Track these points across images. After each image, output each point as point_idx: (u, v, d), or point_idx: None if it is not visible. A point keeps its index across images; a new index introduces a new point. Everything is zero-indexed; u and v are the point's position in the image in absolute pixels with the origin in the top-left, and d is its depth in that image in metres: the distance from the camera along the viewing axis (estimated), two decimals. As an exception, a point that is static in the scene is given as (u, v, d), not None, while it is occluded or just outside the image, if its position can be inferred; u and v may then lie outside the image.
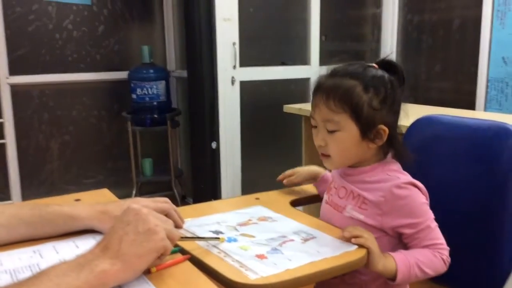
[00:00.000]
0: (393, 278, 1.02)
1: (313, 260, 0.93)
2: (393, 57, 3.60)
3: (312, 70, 3.39)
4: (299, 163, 3.03)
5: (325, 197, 1.21)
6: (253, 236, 1.05)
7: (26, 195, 3.22)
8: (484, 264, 1.23)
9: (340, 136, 1.06)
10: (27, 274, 0.81)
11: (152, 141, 3.66)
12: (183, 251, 0.94)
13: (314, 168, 1.32)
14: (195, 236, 1.04)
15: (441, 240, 1.05)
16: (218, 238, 1.01)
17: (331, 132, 1.06)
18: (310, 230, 1.08)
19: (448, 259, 1.05)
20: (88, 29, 3.32)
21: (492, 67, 3.06)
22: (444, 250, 1.05)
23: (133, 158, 3.44)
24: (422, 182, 1.09)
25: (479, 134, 1.29)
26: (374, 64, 1.13)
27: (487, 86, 3.11)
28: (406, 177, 1.08)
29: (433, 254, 1.04)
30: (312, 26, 3.33)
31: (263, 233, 1.06)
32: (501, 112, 3.02)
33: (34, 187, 3.30)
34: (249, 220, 1.15)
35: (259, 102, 3.34)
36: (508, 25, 2.93)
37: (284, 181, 1.31)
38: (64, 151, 3.40)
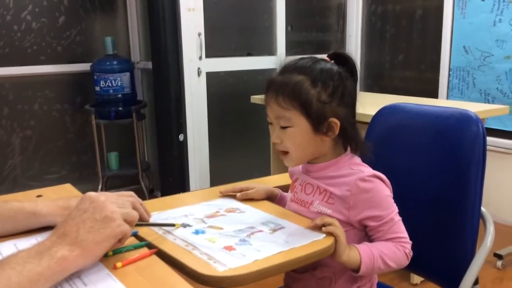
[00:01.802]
0: (356, 269, 1.03)
1: (282, 250, 0.92)
2: (357, 47, 3.67)
3: (278, 61, 3.38)
4: (266, 154, 3.04)
5: (290, 195, 1.21)
6: (221, 228, 1.04)
7: (-13, 192, 3.13)
8: (448, 250, 1.25)
9: (293, 132, 1.06)
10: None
11: (117, 134, 3.59)
12: (150, 246, 0.92)
13: (271, 188, 1.28)
14: (151, 223, 1.03)
15: (404, 234, 1.07)
16: (174, 224, 1.02)
17: (284, 128, 1.06)
18: (278, 220, 1.08)
19: (410, 252, 1.07)
20: (48, 20, 3.22)
21: (454, 56, 3.13)
22: (407, 244, 1.06)
23: (98, 152, 3.37)
24: (386, 172, 1.10)
25: (442, 122, 1.31)
26: (325, 57, 1.12)
27: (449, 75, 3.19)
28: (370, 170, 1.08)
29: (396, 247, 1.05)
30: (278, 16, 3.33)
31: (231, 225, 1.05)
32: (462, 100, 3.10)
33: (-5, 183, 3.20)
34: (217, 212, 1.14)
35: (226, 93, 3.33)
36: (469, 14, 3.00)
37: (238, 195, 1.22)
38: (26, 146, 3.30)
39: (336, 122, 1.06)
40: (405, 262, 1.07)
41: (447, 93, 3.21)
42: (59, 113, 3.39)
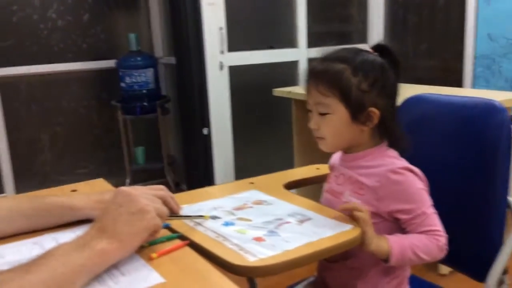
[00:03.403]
0: (386, 259, 1.04)
1: (310, 241, 0.95)
2: (380, 37, 3.64)
3: (300, 53, 3.39)
4: (290, 146, 3.05)
5: (325, 186, 1.23)
6: (249, 220, 1.06)
7: (19, 187, 3.22)
8: (475, 241, 1.25)
9: (331, 119, 1.08)
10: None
11: (143, 129, 3.66)
12: (182, 237, 0.96)
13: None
14: (181, 215, 1.07)
15: (438, 227, 1.06)
16: (203, 216, 1.05)
17: (323, 115, 1.09)
18: (305, 212, 1.10)
19: (445, 245, 1.06)
20: (73, 18, 3.28)
21: (479, 44, 3.09)
22: (441, 237, 1.05)
23: (125, 147, 3.44)
24: (412, 163, 1.11)
25: (467, 112, 1.30)
26: (369, 49, 1.14)
27: (473, 63, 3.14)
28: (402, 162, 1.10)
29: (429, 240, 1.05)
30: (298, 8, 3.32)
31: (260, 217, 1.08)
32: (488, 88, 3.05)
33: (26, 179, 3.29)
34: (245, 204, 1.17)
35: (248, 87, 3.34)
36: (494, 1, 2.94)
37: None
38: (55, 142, 3.39)
39: (375, 112, 1.07)
40: (439, 255, 1.07)
41: (472, 82, 3.17)
42: (86, 109, 3.46)
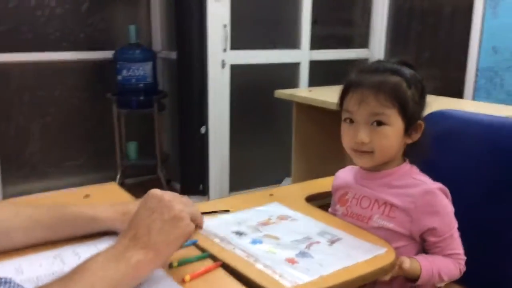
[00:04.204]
0: (414, 280, 1.03)
1: (345, 265, 0.90)
2: (382, 43, 3.61)
3: (302, 54, 3.34)
4: (288, 150, 3.01)
5: (341, 210, 1.17)
6: (277, 238, 1.01)
7: (6, 177, 3.11)
8: (498, 268, 1.23)
9: (388, 131, 1.04)
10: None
11: (137, 124, 3.57)
12: (211, 256, 0.90)
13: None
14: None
15: (461, 250, 1.07)
16: (228, 210, 1.07)
17: (378, 126, 1.04)
18: (333, 231, 1.05)
19: (463, 268, 1.07)
20: (71, 6, 3.18)
21: (482, 56, 3.08)
22: (462, 260, 1.07)
23: (118, 141, 3.36)
24: (436, 180, 1.08)
25: (494, 132, 1.28)
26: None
27: (476, 75, 3.13)
28: (433, 182, 1.07)
29: (453, 263, 1.06)
30: (303, 9, 3.27)
31: (287, 234, 1.03)
32: (489, 101, 3.05)
33: (14, 169, 3.18)
34: (269, 219, 1.12)
35: (249, 87, 3.28)
36: (501, 14, 2.94)
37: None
38: (45, 133, 3.29)
39: (421, 124, 1.08)
40: (457, 277, 1.08)
41: (473, 93, 3.17)
42: (79, 100, 3.36)
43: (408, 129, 1.06)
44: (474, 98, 3.16)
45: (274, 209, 1.19)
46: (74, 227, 0.91)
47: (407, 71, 1.08)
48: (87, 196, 1.17)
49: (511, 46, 2.91)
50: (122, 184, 3.42)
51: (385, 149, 1.06)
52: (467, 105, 2.72)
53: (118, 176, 3.41)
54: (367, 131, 1.05)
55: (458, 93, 3.23)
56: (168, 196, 0.82)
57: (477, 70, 3.12)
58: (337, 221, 1.12)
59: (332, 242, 1.00)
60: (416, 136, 1.09)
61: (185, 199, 0.88)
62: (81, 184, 3.38)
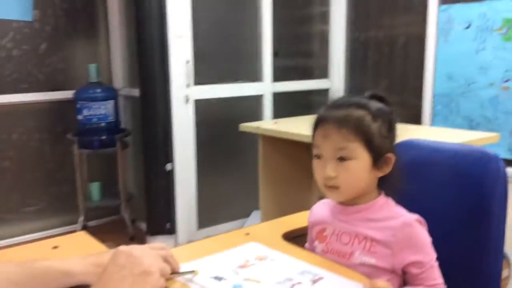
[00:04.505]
0: None
1: (330, 306, 0.89)
2: (341, 73, 3.70)
3: (265, 87, 3.38)
4: (256, 182, 3.00)
5: (320, 246, 1.15)
6: (258, 281, 0.99)
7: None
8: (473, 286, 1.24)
9: (353, 165, 1.04)
10: None
11: (99, 164, 3.49)
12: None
13: None
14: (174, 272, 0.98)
15: (441, 279, 1.06)
16: (193, 271, 0.99)
17: (343, 161, 1.04)
18: (315, 270, 1.04)
19: None
20: (29, 47, 3.12)
21: (438, 83, 3.19)
22: None
23: (80, 182, 3.26)
24: (409, 209, 1.09)
25: (460, 160, 1.30)
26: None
27: (432, 101, 3.24)
28: (411, 213, 1.07)
29: None
30: (264, 42, 3.32)
31: (267, 276, 1.01)
32: (446, 126, 3.15)
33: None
34: (247, 261, 1.09)
35: (214, 121, 3.28)
36: (452, 42, 3.07)
37: None
38: (3, 178, 3.16)
39: (391, 158, 1.08)
40: None
41: (431, 119, 3.26)
42: (39, 142, 3.27)
43: (377, 162, 1.06)
44: (432, 123, 3.26)
45: (251, 249, 1.16)
46: (46, 283, 0.86)
47: (375, 105, 1.08)
48: (55, 247, 1.11)
49: (465, 72, 3.03)
50: (85, 227, 3.32)
51: (351, 183, 1.06)
52: (428, 132, 2.80)
53: (81, 219, 3.30)
54: (333, 166, 1.05)
55: (416, 119, 3.33)
56: (137, 251, 0.81)
57: (434, 96, 3.23)
58: (317, 259, 1.10)
59: (314, 281, 0.99)
60: (387, 170, 1.08)
61: (154, 252, 0.87)
62: (41, 229, 3.26)
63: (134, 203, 3.58)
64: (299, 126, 2.61)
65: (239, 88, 3.29)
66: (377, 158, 1.06)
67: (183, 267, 1.04)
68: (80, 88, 3.16)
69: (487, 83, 2.93)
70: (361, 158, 1.04)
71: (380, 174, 1.08)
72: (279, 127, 2.71)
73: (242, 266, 1.06)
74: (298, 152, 2.74)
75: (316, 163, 1.09)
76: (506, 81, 2.83)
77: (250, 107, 3.38)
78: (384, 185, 1.12)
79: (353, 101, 1.08)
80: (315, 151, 1.09)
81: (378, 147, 1.05)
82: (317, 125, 1.08)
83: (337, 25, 3.64)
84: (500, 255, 1.22)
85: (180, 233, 3.10)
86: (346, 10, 3.62)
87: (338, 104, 1.09)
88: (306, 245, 1.24)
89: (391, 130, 1.09)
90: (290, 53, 3.67)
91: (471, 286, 1.22)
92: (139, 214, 3.48)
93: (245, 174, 3.34)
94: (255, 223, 3.03)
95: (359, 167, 1.05)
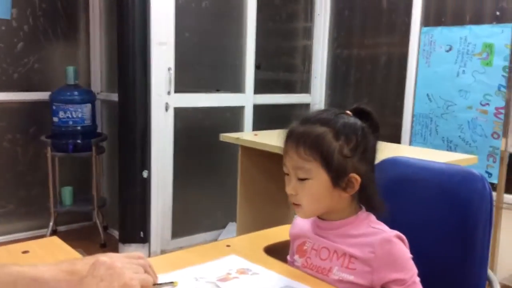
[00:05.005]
0: None
1: (314, 323, 0.86)
2: (322, 88, 3.71)
3: (246, 98, 3.35)
4: (232, 194, 2.96)
5: (299, 261, 1.12)
6: (239, 295, 0.95)
7: None
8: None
9: (311, 185, 1.01)
10: None
11: (72, 168, 3.40)
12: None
13: None
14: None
15: None
16: (172, 282, 0.94)
17: (302, 180, 1.02)
18: (296, 285, 1.01)
19: None
20: (5, 45, 3.03)
21: (417, 103, 3.22)
22: None
23: (51, 186, 3.16)
24: (391, 226, 1.06)
25: (446, 179, 1.30)
26: (348, 111, 1.09)
27: (412, 121, 3.27)
28: (391, 230, 1.05)
29: None
30: (247, 54, 3.31)
31: (249, 290, 0.97)
32: (425, 146, 3.18)
33: None
34: (228, 274, 1.05)
35: (193, 130, 3.23)
36: (433, 64, 3.11)
37: None
38: (-30, 179, 3.05)
39: (356, 178, 1.02)
40: None
41: (410, 139, 3.29)
42: (10, 143, 3.16)
43: (338, 182, 1.01)
44: (411, 143, 3.28)
45: (232, 262, 1.12)
46: (14, 291, 0.81)
47: (345, 121, 1.03)
48: (25, 252, 1.06)
49: (444, 94, 3.07)
50: (55, 232, 3.22)
51: (311, 202, 1.03)
52: (408, 150, 2.80)
53: (51, 224, 3.20)
54: (293, 184, 1.03)
55: (396, 138, 3.35)
56: (118, 262, 0.77)
57: (413, 116, 3.25)
58: (299, 275, 1.07)
59: (296, 297, 0.96)
60: (352, 191, 1.03)
61: (135, 262, 0.83)
62: (8, 232, 3.14)
63: (107, 210, 3.49)
64: (279, 139, 2.59)
65: (221, 98, 3.26)
66: (338, 178, 1.01)
67: (161, 278, 0.99)
68: (56, 90, 3.08)
69: (465, 105, 2.97)
70: (317, 178, 1.01)
71: (346, 195, 1.04)
72: (259, 139, 2.69)
73: (223, 279, 1.02)
74: (278, 166, 2.72)
75: (285, 179, 1.07)
76: (485, 104, 2.87)
77: (230, 117, 3.35)
78: (364, 201, 1.09)
79: (320, 117, 1.04)
80: (283, 167, 1.06)
81: (338, 167, 1.00)
82: (285, 140, 1.05)
83: (320, 41, 3.66)
84: (484, 274, 1.22)
85: (153, 242, 3.03)
86: (329, 27, 3.65)
87: (306, 119, 1.05)
88: (288, 257, 1.21)
89: (356, 149, 1.02)
90: (273, 67, 3.67)
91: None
92: (112, 221, 3.39)
93: (222, 185, 3.30)
94: (230, 236, 2.99)
95: (317, 186, 1.01)
